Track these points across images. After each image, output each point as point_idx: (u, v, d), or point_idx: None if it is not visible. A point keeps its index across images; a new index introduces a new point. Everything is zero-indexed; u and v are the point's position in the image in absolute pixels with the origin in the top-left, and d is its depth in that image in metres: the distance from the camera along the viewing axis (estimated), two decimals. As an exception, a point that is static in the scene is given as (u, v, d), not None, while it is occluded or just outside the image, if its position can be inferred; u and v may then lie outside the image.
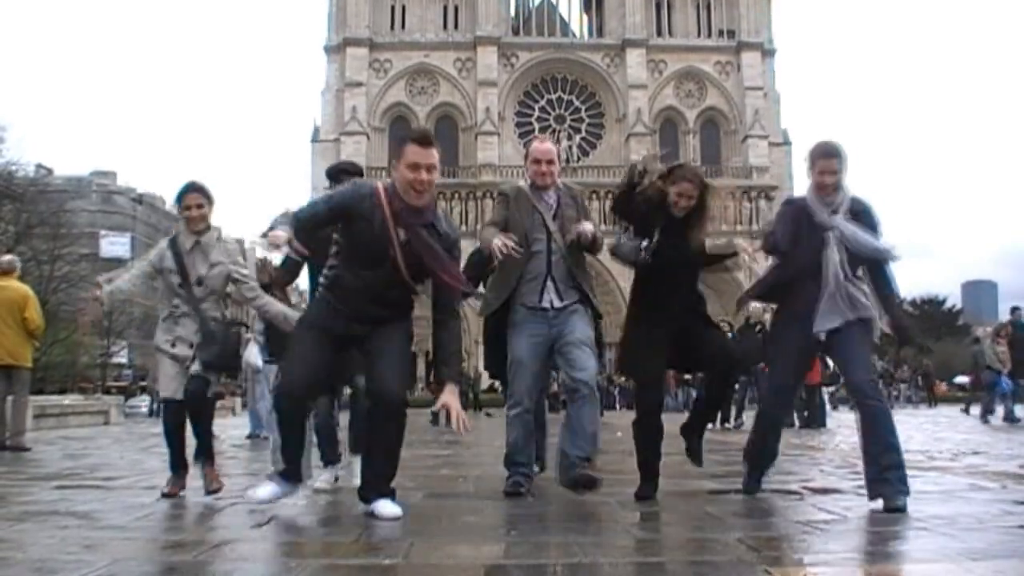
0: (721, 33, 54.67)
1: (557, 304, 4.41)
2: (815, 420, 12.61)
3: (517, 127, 53.38)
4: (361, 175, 5.19)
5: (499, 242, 4.24)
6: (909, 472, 3.92)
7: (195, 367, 4.39)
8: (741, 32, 54.05)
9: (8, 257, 9.22)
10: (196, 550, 3.00)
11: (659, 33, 54.76)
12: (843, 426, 12.48)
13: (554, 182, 4.57)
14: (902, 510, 3.68)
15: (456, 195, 49.58)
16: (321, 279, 3.99)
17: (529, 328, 4.40)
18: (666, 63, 54.30)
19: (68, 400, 17.34)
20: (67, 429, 12.80)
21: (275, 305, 4.57)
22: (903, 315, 4.39)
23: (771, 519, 3.62)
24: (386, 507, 3.62)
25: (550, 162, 4.57)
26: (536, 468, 4.97)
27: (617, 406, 28.18)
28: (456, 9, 54.64)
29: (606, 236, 4.41)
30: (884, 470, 3.83)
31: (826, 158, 4.11)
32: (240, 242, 4.81)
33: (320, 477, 4.88)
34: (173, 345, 4.46)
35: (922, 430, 11.80)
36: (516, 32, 55.42)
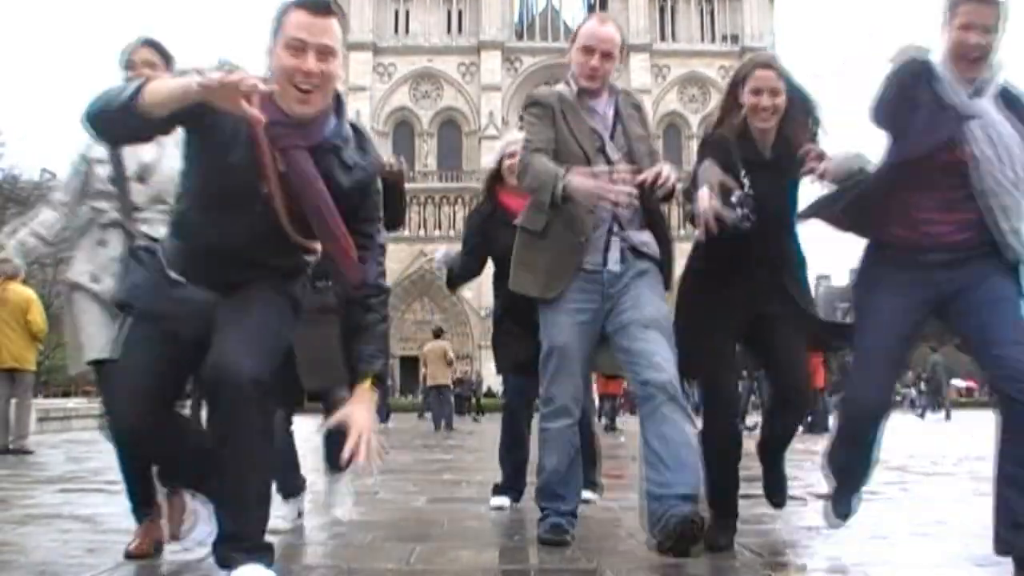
0: (724, 38, 54.71)
1: (622, 267, 3.04)
2: (818, 425, 12.59)
3: (520, 131, 53.49)
4: None
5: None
6: (913, 477, 3.89)
7: None
8: (744, 37, 54.03)
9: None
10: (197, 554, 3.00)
11: (663, 38, 54.82)
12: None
13: (609, 84, 3.14)
14: None
15: (459, 200, 49.64)
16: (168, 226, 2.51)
17: (575, 300, 3.02)
18: (669, 68, 54.35)
19: (71, 403, 17.34)
20: (70, 432, 12.79)
21: None
22: None
23: (774, 524, 3.61)
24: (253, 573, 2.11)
25: (607, 55, 3.04)
26: (595, 495, 4.11)
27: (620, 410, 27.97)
28: (460, 14, 54.76)
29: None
30: None
31: (980, 2, 2.49)
32: None
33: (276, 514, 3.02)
34: (95, 280, 2.87)
35: (924, 435, 11.77)
36: (520, 37, 55.51)
